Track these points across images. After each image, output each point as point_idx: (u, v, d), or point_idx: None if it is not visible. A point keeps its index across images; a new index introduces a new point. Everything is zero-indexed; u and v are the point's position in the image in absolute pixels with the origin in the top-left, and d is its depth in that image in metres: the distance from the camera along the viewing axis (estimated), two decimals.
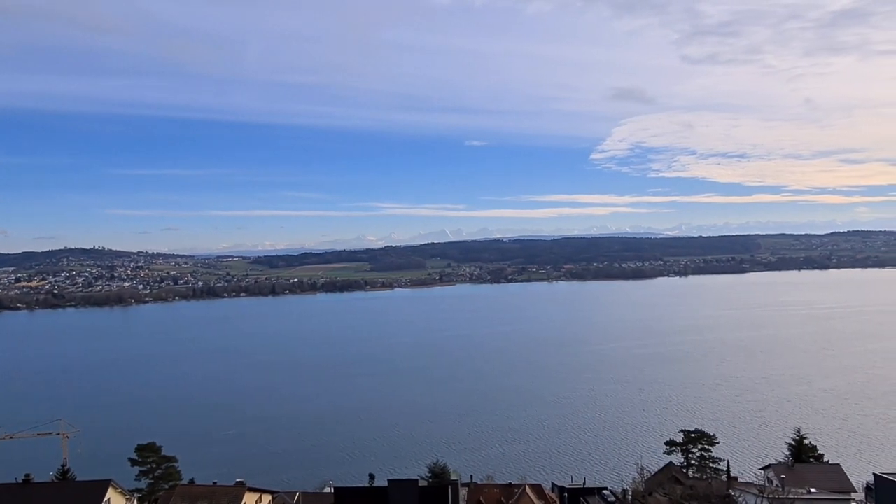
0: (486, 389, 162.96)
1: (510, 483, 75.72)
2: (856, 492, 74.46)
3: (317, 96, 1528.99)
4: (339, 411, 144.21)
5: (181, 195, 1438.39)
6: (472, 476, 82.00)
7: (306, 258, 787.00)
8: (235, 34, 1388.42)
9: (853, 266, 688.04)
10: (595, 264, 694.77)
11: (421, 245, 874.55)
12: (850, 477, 75.31)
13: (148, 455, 79.65)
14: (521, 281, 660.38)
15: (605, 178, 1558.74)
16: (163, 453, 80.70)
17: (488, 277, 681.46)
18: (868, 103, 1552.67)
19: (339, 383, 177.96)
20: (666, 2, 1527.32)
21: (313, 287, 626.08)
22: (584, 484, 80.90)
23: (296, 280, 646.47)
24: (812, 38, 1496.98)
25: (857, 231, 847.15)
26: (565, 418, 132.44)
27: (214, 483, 67.63)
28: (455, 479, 77.55)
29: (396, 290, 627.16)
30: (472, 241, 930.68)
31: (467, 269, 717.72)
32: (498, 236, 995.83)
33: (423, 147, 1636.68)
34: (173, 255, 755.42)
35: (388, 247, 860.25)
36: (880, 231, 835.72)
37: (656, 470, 79.42)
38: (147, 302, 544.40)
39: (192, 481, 76.58)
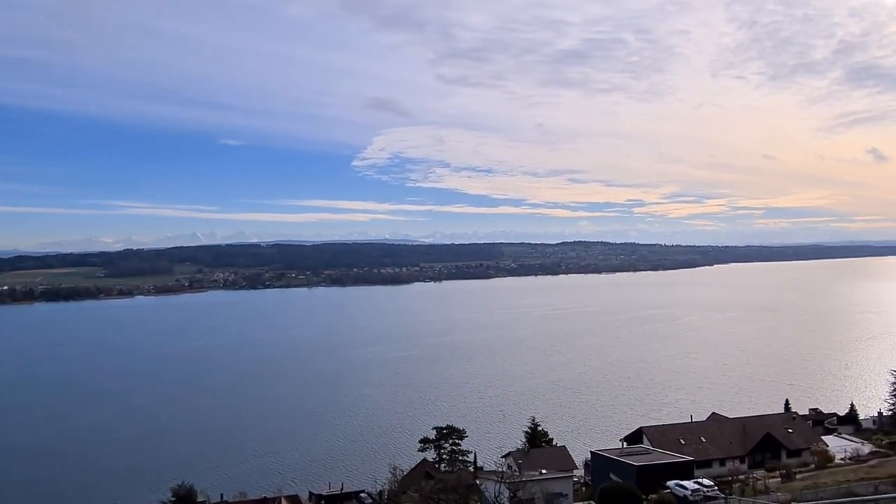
0: (237, 401, 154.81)
1: (265, 497, 72.82)
2: (577, 469, 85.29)
3: (34, 73, 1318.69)
4: (61, 438, 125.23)
5: None
6: (222, 495, 77.15)
7: (20, 261, 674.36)
8: None
9: (577, 272, 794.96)
10: (355, 270, 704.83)
11: (167, 248, 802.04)
12: (573, 456, 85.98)
13: None
14: (280, 286, 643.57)
15: (366, 186, 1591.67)
16: None
17: (244, 283, 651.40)
18: (589, 132, 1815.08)
19: (62, 405, 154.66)
20: (424, 22, 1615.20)
21: (30, 295, 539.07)
22: (342, 489, 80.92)
23: (6, 287, 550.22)
24: (546, 71, 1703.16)
25: (581, 241, 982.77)
26: (322, 426, 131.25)
27: None
28: (202, 500, 72.27)
29: (137, 297, 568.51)
30: (227, 244, 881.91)
31: (221, 275, 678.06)
32: (255, 240, 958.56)
33: (170, 142, 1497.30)
34: None
35: (127, 250, 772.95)
36: (598, 242, 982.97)
37: (411, 468, 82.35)
38: None
39: None
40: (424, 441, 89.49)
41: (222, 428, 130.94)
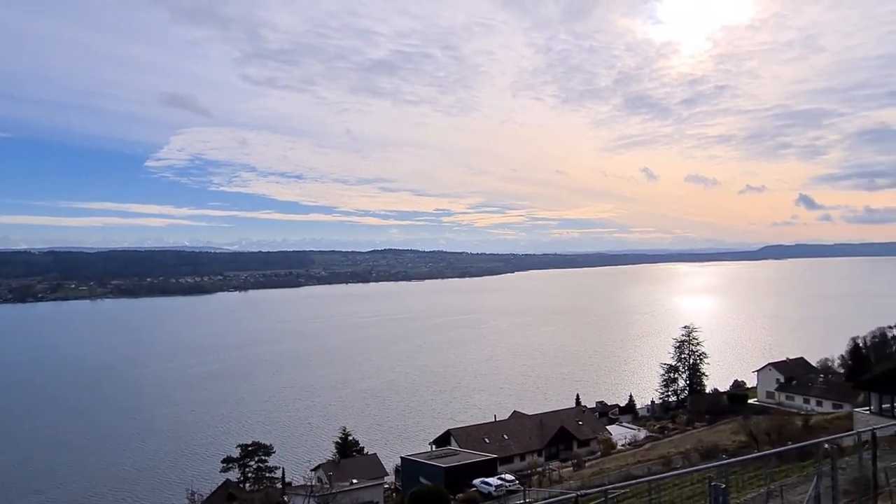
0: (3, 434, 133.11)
1: None
2: (388, 475, 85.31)
3: None
4: None
5: None
6: None
7: None
8: None
9: (388, 279, 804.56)
10: (149, 279, 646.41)
11: None
12: (384, 463, 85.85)
13: None
14: (56, 299, 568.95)
15: (162, 188, 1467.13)
16: None
17: (10, 296, 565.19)
18: (399, 141, 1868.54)
19: None
20: (229, 19, 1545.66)
21: None
22: None
23: None
24: (356, 78, 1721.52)
25: (392, 249, 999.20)
26: (106, 454, 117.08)
27: None
28: None
29: None
30: None
31: None
32: (25, 247, 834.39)
33: None
34: None
35: None
36: (408, 250, 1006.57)
37: (212, 490, 76.45)
38: None
39: None
40: (227, 460, 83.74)
41: None
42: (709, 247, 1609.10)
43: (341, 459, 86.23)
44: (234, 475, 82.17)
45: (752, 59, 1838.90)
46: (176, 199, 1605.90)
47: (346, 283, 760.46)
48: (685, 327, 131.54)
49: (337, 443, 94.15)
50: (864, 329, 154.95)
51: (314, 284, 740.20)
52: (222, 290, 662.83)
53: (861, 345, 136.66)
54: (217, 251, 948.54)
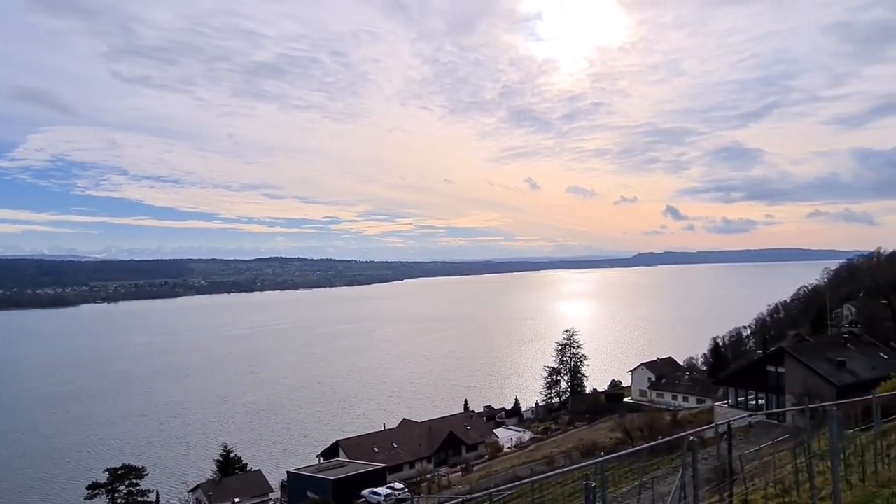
0: None
1: None
2: (273, 492, 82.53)
3: None
4: None
5: None
6: None
7: None
8: None
9: (274, 289, 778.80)
10: (1, 291, 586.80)
11: None
12: (269, 479, 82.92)
13: None
14: None
15: (16, 191, 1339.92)
16: None
17: None
18: (285, 147, 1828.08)
19: None
20: (96, 10, 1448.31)
21: None
22: None
23: None
24: (240, 81, 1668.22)
25: (277, 258, 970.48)
26: None
27: None
28: None
29: None
30: None
31: None
32: None
33: None
34: None
35: None
36: (295, 258, 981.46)
37: None
38: None
39: None
40: (93, 486, 77.44)
41: None
42: (588, 254, 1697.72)
43: (222, 478, 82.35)
44: (101, 502, 76.20)
45: (623, 78, 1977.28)
46: (34, 203, 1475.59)
47: (229, 292, 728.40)
48: (566, 331, 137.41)
49: (218, 461, 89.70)
50: (723, 329, 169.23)
51: (193, 295, 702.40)
52: (88, 301, 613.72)
53: (720, 344, 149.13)
54: (82, 259, 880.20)
